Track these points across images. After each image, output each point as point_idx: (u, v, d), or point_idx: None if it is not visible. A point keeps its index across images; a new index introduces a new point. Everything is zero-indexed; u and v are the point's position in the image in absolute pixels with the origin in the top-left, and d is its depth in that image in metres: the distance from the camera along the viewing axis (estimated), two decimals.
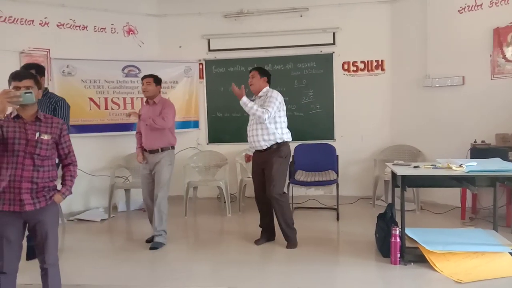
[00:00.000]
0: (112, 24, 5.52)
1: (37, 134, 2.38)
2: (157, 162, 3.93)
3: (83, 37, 5.29)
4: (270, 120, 3.72)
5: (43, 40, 4.99)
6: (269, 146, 3.75)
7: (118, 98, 5.43)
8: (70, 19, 5.20)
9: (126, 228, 4.90)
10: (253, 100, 3.82)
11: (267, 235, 3.96)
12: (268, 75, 3.94)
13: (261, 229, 3.99)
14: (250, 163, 4.08)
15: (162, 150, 3.96)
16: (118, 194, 5.33)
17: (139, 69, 5.48)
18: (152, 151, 3.95)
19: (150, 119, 3.87)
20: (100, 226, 4.81)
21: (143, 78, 4.05)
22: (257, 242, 3.92)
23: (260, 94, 3.86)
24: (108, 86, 5.38)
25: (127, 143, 5.49)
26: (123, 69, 5.44)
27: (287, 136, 3.85)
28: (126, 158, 5.42)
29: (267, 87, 3.90)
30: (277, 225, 3.89)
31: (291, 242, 3.80)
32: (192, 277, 3.28)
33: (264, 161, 3.77)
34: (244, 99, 3.70)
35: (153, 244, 3.88)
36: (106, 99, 5.36)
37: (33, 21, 4.96)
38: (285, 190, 3.93)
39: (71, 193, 2.56)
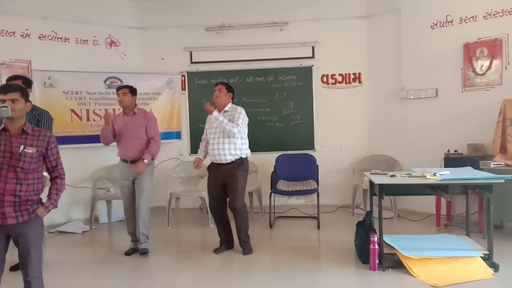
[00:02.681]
0: (94, 36, 5.54)
1: (21, 147, 2.37)
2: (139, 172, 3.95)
3: (65, 49, 5.30)
4: (237, 135, 3.84)
5: (24, 52, 4.97)
6: (233, 160, 3.85)
7: (100, 109, 5.43)
8: (52, 31, 5.20)
9: (108, 240, 4.88)
10: None
11: (227, 244, 4.07)
12: (233, 92, 4.06)
13: (220, 238, 4.08)
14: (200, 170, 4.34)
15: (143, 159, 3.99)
16: (99, 205, 5.31)
17: (121, 81, 5.50)
18: (134, 161, 3.95)
19: (151, 154, 3.95)
20: (82, 238, 4.77)
21: (118, 89, 4.04)
22: (216, 251, 4.00)
23: (226, 109, 3.95)
24: (90, 97, 5.38)
25: (109, 154, 5.45)
26: (105, 81, 5.46)
27: (249, 151, 4.02)
28: (107, 169, 5.41)
29: (231, 103, 4.02)
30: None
31: (248, 249, 3.95)
32: (175, 286, 3.30)
33: (227, 175, 3.86)
34: (215, 112, 3.82)
35: (143, 249, 3.97)
36: (87, 110, 5.35)
37: (14, 32, 4.94)
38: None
39: (56, 206, 2.53)
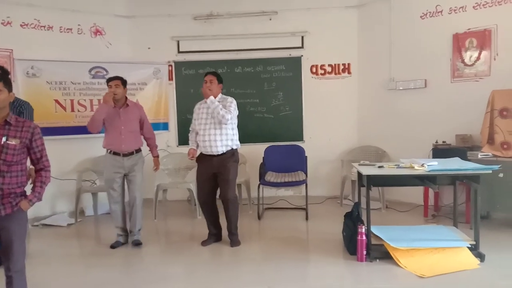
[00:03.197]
0: (78, 25, 5.41)
1: (4, 139, 2.29)
2: (133, 164, 3.94)
3: (49, 37, 5.16)
4: (229, 125, 3.80)
5: (6, 40, 4.82)
6: (225, 151, 3.80)
7: (85, 100, 5.33)
8: (35, 19, 5.06)
9: (95, 233, 4.81)
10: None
11: (216, 237, 4.03)
12: (222, 82, 4.01)
13: (208, 231, 4.04)
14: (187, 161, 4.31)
15: (137, 152, 3.98)
16: (85, 198, 5.23)
17: (106, 71, 5.40)
18: (127, 154, 3.91)
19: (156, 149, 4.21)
20: (67, 231, 4.70)
21: (109, 80, 3.93)
22: (204, 243, 3.96)
23: (217, 99, 3.87)
24: (74, 87, 5.27)
25: (94, 146, 5.38)
26: (90, 71, 5.35)
27: (239, 143, 3.98)
28: (93, 161, 5.32)
29: (221, 94, 3.96)
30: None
31: (236, 241, 3.92)
32: (165, 280, 3.27)
33: (218, 166, 3.81)
34: (212, 97, 3.78)
35: (136, 241, 3.99)
36: (72, 101, 5.24)
37: None
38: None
39: (40, 199, 2.47)
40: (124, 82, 3.96)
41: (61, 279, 3.34)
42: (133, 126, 3.95)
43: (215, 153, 3.79)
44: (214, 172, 3.84)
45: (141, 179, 4.01)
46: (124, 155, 3.90)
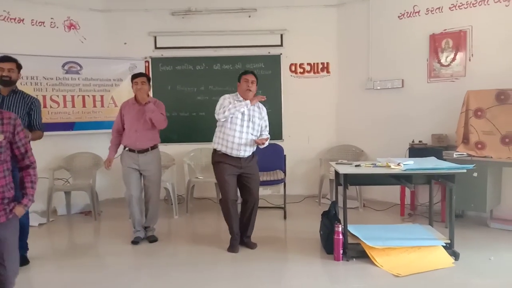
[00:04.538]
0: (51, 18, 5.24)
1: None
2: (149, 162, 3.93)
3: (19, 30, 4.99)
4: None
5: None
6: (250, 154, 3.79)
7: (58, 96, 5.17)
8: (4, 10, 4.88)
9: (68, 233, 4.66)
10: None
11: (240, 238, 3.83)
12: None
13: (235, 235, 3.78)
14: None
15: (152, 149, 3.97)
16: (57, 197, 5.06)
17: (80, 66, 5.25)
18: (142, 151, 3.90)
19: (155, 113, 3.88)
20: (38, 231, 4.53)
21: (136, 77, 3.94)
22: (233, 249, 3.71)
23: (256, 105, 3.81)
24: (46, 83, 5.10)
25: (68, 143, 5.27)
26: (63, 66, 5.18)
27: None
28: (66, 159, 5.17)
29: None
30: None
31: (253, 242, 3.84)
32: (139, 281, 3.20)
33: (245, 166, 3.73)
34: (268, 135, 3.91)
35: (152, 237, 4.05)
36: (44, 97, 5.06)
37: None
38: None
39: (33, 201, 2.24)
40: (149, 79, 4.03)
41: (32, 280, 3.23)
42: (150, 123, 3.92)
43: (246, 156, 3.72)
44: (240, 173, 3.74)
45: (159, 176, 4.06)
46: (139, 151, 3.89)
